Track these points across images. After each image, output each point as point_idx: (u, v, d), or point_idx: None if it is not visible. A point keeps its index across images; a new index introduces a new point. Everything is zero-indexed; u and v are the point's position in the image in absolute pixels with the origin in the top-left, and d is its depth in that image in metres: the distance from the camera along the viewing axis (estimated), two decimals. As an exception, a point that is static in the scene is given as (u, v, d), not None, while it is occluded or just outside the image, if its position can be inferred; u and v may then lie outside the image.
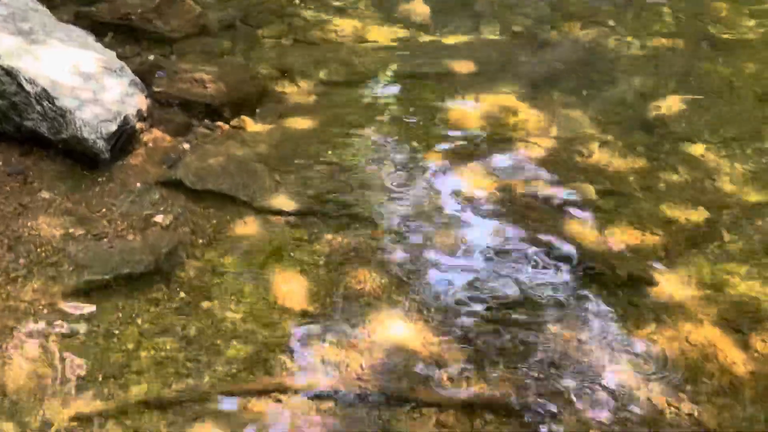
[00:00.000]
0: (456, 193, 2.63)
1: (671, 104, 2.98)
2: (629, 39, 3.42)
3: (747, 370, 1.95)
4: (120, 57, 3.09)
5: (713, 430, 1.81)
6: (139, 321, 2.15)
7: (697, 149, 2.74)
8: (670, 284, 2.19)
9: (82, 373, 1.97)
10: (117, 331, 2.12)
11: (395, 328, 2.14)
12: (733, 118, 2.87)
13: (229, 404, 1.93)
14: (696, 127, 2.84)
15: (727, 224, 2.40)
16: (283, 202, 2.54)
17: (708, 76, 3.12)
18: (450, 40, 3.53)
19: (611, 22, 3.56)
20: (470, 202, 2.59)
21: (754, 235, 2.35)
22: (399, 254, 2.39)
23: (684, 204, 2.50)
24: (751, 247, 2.30)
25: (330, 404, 1.93)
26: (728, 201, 2.49)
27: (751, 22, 3.47)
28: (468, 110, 3.08)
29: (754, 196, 2.50)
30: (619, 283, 2.22)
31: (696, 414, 1.85)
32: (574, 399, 1.93)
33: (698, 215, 2.44)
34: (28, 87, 2.57)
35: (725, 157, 2.69)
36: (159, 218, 2.42)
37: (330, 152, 2.82)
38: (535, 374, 2.00)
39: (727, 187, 2.55)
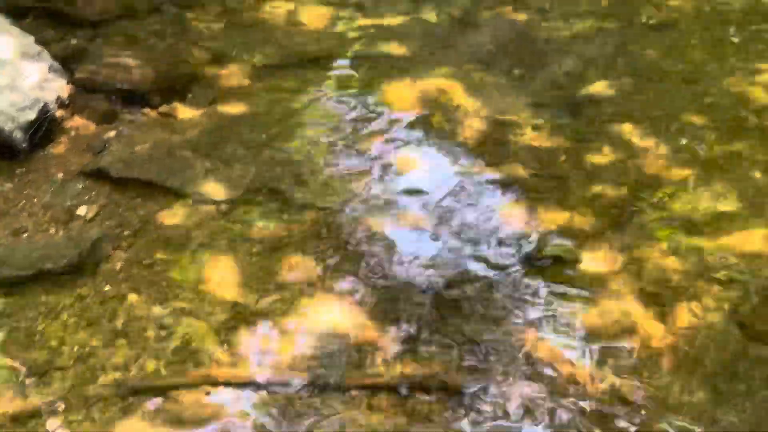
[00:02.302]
0: (391, 177, 2.63)
1: (600, 86, 3.05)
2: (560, 22, 3.47)
3: (665, 343, 2.03)
4: (40, 41, 2.96)
5: (632, 401, 1.88)
6: (63, 317, 2.09)
7: (625, 129, 2.81)
8: (595, 262, 2.26)
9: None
10: (40, 328, 2.05)
11: (329, 314, 2.14)
12: (659, 99, 2.95)
13: (157, 399, 1.89)
14: (624, 109, 2.91)
15: (649, 202, 2.48)
16: (213, 189, 2.50)
17: (636, 58, 3.19)
18: (386, 21, 3.50)
19: (544, 5, 3.60)
20: (405, 185, 2.60)
21: (674, 212, 2.43)
22: (334, 240, 2.38)
23: (610, 183, 2.56)
24: (671, 224, 2.38)
25: (262, 394, 1.92)
26: (651, 180, 2.56)
27: (680, 2, 3.56)
28: (403, 92, 3.07)
29: (675, 174, 2.59)
30: (547, 263, 2.27)
31: (617, 386, 1.92)
32: (503, 377, 1.97)
33: (622, 193, 2.51)
34: (-64, 75, 2.45)
35: (650, 136, 2.77)
36: (83, 210, 2.35)
37: (264, 137, 2.78)
38: (466, 353, 2.03)
39: (651, 166, 2.63)
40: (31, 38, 2.86)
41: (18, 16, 3.21)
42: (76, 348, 1.99)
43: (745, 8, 3.54)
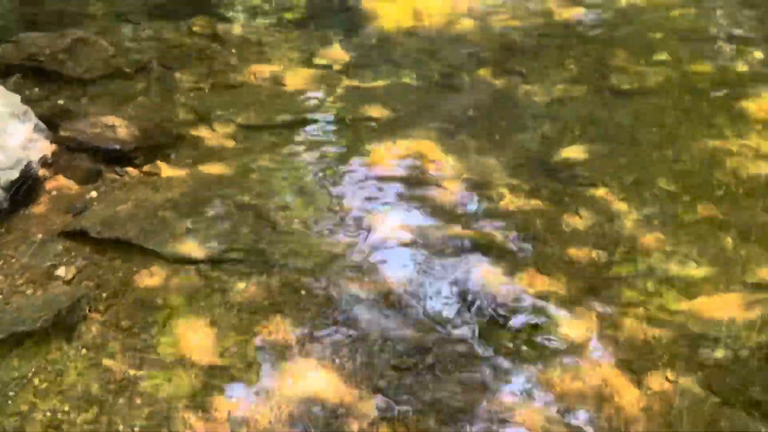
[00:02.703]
0: (370, 239, 2.66)
1: (575, 150, 3.13)
2: (537, 87, 3.59)
3: (640, 408, 2.04)
4: (26, 100, 3.00)
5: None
6: (35, 381, 2.05)
7: (599, 194, 2.88)
8: (572, 328, 2.28)
9: (-30, 440, 1.86)
10: (11, 393, 2.02)
11: (307, 379, 2.13)
12: (631, 163, 3.04)
13: (129, 468, 1.86)
14: (598, 173, 2.99)
15: (625, 267, 2.53)
16: (193, 249, 2.51)
17: (609, 124, 3.30)
18: (368, 84, 3.60)
19: (521, 69, 3.73)
20: (384, 246, 2.63)
21: (648, 277, 2.48)
22: (313, 302, 2.39)
23: (586, 247, 2.61)
24: (646, 288, 2.43)
25: (236, 462, 1.89)
26: (626, 244, 2.62)
27: (650, 70, 3.70)
28: (384, 154, 3.13)
29: (650, 239, 2.65)
30: (524, 328, 2.29)
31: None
32: (481, 446, 1.96)
33: (598, 258, 2.56)
34: None
35: (624, 200, 2.84)
36: (61, 271, 2.34)
37: (246, 198, 2.81)
38: (443, 419, 2.03)
39: (625, 230, 2.69)
40: (17, 97, 2.89)
41: (4, 74, 3.26)
42: (48, 414, 1.96)
43: (712, 76, 3.69)
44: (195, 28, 3.90)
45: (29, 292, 2.25)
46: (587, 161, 3.08)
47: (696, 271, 2.53)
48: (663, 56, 3.80)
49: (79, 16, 3.86)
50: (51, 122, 2.90)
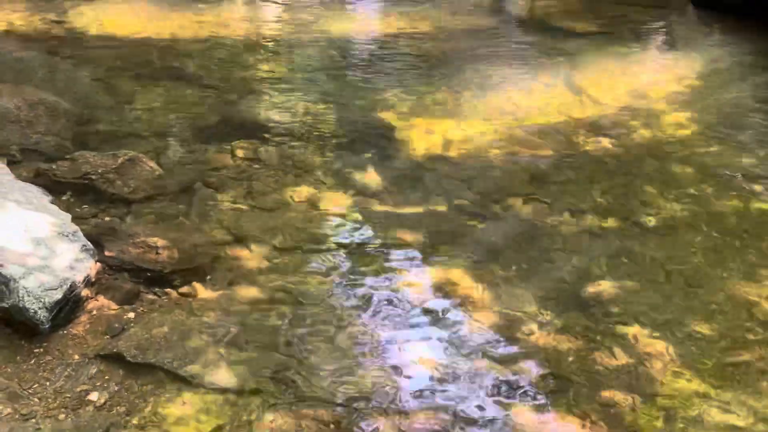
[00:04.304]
0: (401, 371, 2.65)
1: (606, 285, 3.15)
2: (565, 217, 3.67)
3: None
4: (76, 218, 3.14)
5: None
6: None
7: (631, 332, 2.86)
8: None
9: None
10: None
11: None
12: (664, 302, 3.04)
13: None
14: (630, 310, 2.99)
15: (659, 413, 2.46)
16: (225, 377, 2.51)
17: (638, 259, 3.33)
18: (400, 210, 3.71)
19: (550, 200, 3.82)
20: (414, 380, 2.61)
21: (685, 425, 2.41)
22: (341, 437, 2.35)
23: (619, 390, 2.56)
24: (684, 439, 2.36)
25: None
26: (661, 388, 2.57)
27: (677, 206, 3.77)
28: (415, 281, 3.18)
29: (684, 384, 2.59)
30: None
31: None
32: None
33: (632, 402, 2.50)
34: (-25, 254, 2.58)
35: (658, 341, 2.81)
36: (94, 396, 2.35)
37: (279, 322, 2.84)
38: None
39: (659, 373, 2.65)
40: (68, 217, 3.04)
41: (58, 192, 3.44)
42: None
43: (737, 212, 3.74)
44: (237, 150, 4.11)
45: (61, 417, 2.25)
46: (618, 297, 3.08)
47: (735, 420, 2.45)
48: (690, 191, 3.88)
49: (130, 136, 4.11)
50: (96, 241, 3.02)
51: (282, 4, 6.84)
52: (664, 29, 6.91)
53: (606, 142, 4.43)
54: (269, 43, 5.77)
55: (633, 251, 3.38)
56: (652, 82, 5.38)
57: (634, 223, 3.63)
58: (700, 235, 3.52)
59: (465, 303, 3.04)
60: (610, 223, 3.62)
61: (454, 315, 2.97)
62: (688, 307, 3.01)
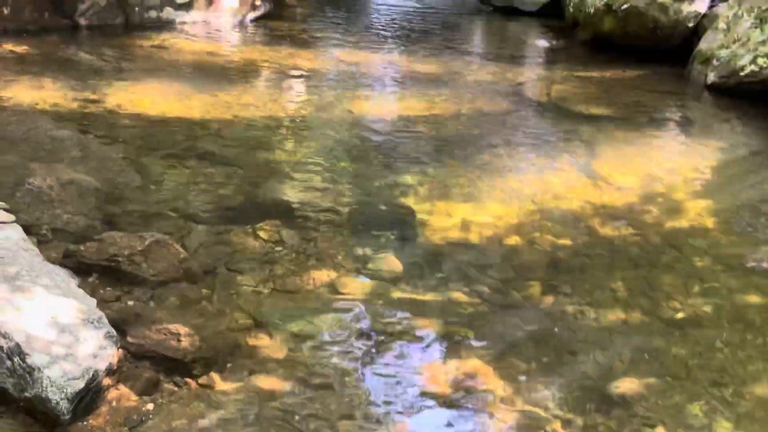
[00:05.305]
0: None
1: (629, 382, 3.10)
2: (585, 309, 3.65)
3: None
4: (101, 301, 3.18)
5: None
6: None
7: (658, 435, 2.80)
8: None
9: None
10: None
11: None
12: (690, 402, 2.98)
13: None
14: (655, 411, 2.92)
15: None
16: (242, 476, 2.48)
17: (662, 355, 3.28)
18: (419, 297, 3.71)
19: (568, 289, 3.81)
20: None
21: None
22: None
23: (648, 501, 2.49)
24: None
25: None
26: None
27: (699, 299, 3.74)
28: (434, 374, 3.15)
29: (716, 495, 2.51)
30: None
31: None
32: None
33: None
34: (1, 342, 2.61)
35: (685, 445, 2.75)
36: (110, 493, 2.32)
37: (296, 416, 2.81)
38: None
39: (689, 482, 2.57)
40: (93, 302, 3.07)
41: (85, 273, 3.50)
42: None
43: (760, 307, 3.70)
44: (260, 232, 4.17)
45: None
46: (643, 396, 3.02)
47: None
48: (712, 284, 3.86)
49: (157, 216, 4.20)
50: (119, 326, 3.05)
51: (304, 84, 7.09)
52: (681, 115, 7.05)
53: (624, 230, 4.44)
54: (292, 124, 5.94)
55: (656, 347, 3.34)
56: (669, 168, 5.45)
57: (656, 316, 3.60)
58: (724, 331, 3.48)
59: (485, 398, 2.99)
60: (632, 316, 3.60)
61: (474, 412, 2.92)
62: (713, 409, 2.94)
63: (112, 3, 7.88)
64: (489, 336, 3.42)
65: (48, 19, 7.58)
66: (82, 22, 7.78)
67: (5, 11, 7.33)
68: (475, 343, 3.35)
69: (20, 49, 6.97)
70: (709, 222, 4.56)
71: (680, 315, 3.59)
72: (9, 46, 6.98)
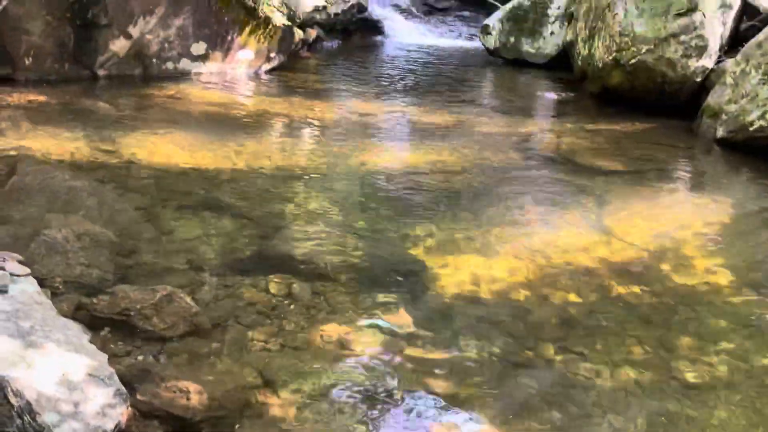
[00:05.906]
0: None
1: (646, 450, 3.04)
2: (600, 368, 3.60)
3: None
4: (111, 356, 3.18)
5: None
6: None
7: (675, 506, 2.72)
8: None
9: None
10: None
11: None
12: (706, 471, 2.91)
13: None
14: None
15: None
16: None
17: (679, 420, 3.22)
18: (430, 356, 3.68)
19: (583, 349, 3.76)
20: None
21: None
22: None
23: None
24: None
25: None
26: None
27: (714, 359, 3.69)
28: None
29: None
30: None
31: None
32: None
33: None
34: (13, 400, 2.60)
35: None
36: None
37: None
38: None
39: None
40: (105, 357, 3.07)
41: (97, 327, 3.51)
42: None
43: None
44: (271, 285, 4.18)
45: None
46: (660, 464, 2.96)
47: None
48: (727, 346, 3.81)
49: (169, 269, 4.22)
50: (129, 383, 3.04)
51: (316, 136, 7.21)
52: (691, 169, 7.08)
53: (636, 288, 4.41)
54: (304, 175, 6.01)
55: (673, 412, 3.28)
56: (680, 224, 5.44)
57: (671, 378, 3.54)
58: (741, 395, 3.41)
59: (498, 463, 2.94)
60: (646, 377, 3.54)
61: (487, 477, 2.87)
62: (734, 479, 2.87)
63: (131, 54, 8.10)
64: (500, 396, 3.38)
65: (68, 69, 7.79)
66: (101, 72, 7.99)
67: (27, 61, 7.55)
68: (486, 404, 3.30)
69: (40, 98, 7.16)
70: (722, 280, 4.53)
71: (696, 377, 3.53)
72: (30, 96, 7.17)
